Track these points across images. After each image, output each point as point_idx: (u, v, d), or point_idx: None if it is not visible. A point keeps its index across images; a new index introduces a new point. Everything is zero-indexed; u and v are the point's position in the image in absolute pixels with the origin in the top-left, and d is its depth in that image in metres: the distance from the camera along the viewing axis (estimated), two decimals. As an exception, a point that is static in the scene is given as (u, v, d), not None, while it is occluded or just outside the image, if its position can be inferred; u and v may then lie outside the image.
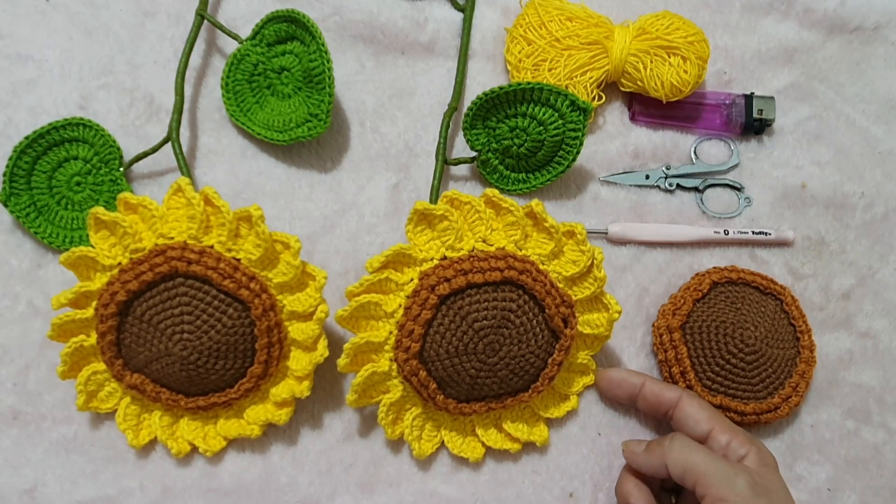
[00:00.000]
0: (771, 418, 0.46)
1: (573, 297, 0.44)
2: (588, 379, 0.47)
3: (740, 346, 0.46)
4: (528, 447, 0.47)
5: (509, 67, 0.50)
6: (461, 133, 0.49)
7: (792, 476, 0.48)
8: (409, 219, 0.42)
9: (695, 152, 0.52)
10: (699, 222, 0.51)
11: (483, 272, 0.41)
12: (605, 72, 0.49)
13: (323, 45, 0.46)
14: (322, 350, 0.42)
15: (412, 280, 0.42)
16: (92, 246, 0.42)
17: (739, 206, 0.52)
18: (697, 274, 0.49)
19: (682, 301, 0.48)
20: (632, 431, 0.48)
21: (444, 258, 0.42)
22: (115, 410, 0.45)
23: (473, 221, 0.43)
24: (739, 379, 0.46)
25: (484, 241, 0.43)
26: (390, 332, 0.42)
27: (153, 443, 0.46)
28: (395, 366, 0.43)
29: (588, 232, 0.50)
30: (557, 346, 0.43)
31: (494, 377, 0.43)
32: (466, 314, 0.41)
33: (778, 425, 0.49)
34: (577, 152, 0.47)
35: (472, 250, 0.42)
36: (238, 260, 0.41)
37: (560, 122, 0.46)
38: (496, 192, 0.42)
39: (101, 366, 0.44)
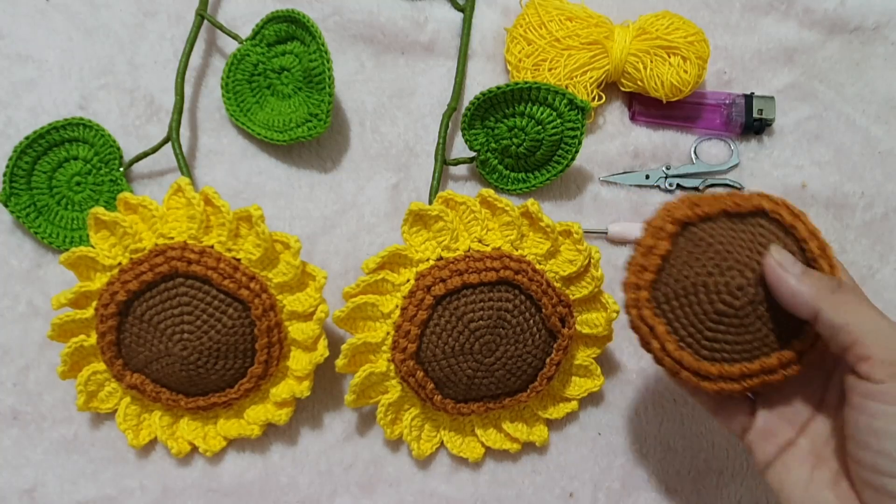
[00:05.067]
0: (793, 372, 0.36)
1: (570, 296, 0.44)
2: (591, 384, 0.46)
3: (728, 301, 0.35)
4: (528, 447, 0.47)
5: (509, 67, 0.50)
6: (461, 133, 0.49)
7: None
8: (404, 219, 0.42)
9: (695, 152, 0.52)
10: (699, 222, 0.51)
11: (479, 272, 0.41)
12: (605, 72, 0.49)
13: (323, 45, 0.46)
14: (322, 350, 0.42)
15: (408, 281, 0.42)
16: (92, 246, 0.42)
17: (739, 206, 0.52)
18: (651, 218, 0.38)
19: (646, 262, 0.37)
20: (632, 431, 0.48)
21: (440, 259, 0.42)
22: (115, 410, 0.45)
23: (469, 222, 0.43)
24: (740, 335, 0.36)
25: (480, 242, 0.43)
26: (387, 333, 0.42)
27: (153, 443, 0.46)
28: (392, 366, 0.43)
29: (588, 232, 0.50)
30: (555, 345, 0.43)
31: (492, 377, 0.43)
32: (462, 314, 0.41)
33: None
34: (576, 151, 0.47)
35: (468, 250, 0.42)
36: (238, 260, 0.41)
37: (558, 121, 0.46)
38: (492, 192, 0.42)
39: (101, 366, 0.44)
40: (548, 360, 0.43)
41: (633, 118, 0.52)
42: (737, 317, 0.35)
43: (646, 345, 0.38)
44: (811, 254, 0.36)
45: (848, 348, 0.32)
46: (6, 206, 0.47)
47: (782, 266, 0.34)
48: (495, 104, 0.47)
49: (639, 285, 0.37)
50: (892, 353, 0.30)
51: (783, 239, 0.36)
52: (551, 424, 0.48)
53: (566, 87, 0.48)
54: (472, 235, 0.43)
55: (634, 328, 0.37)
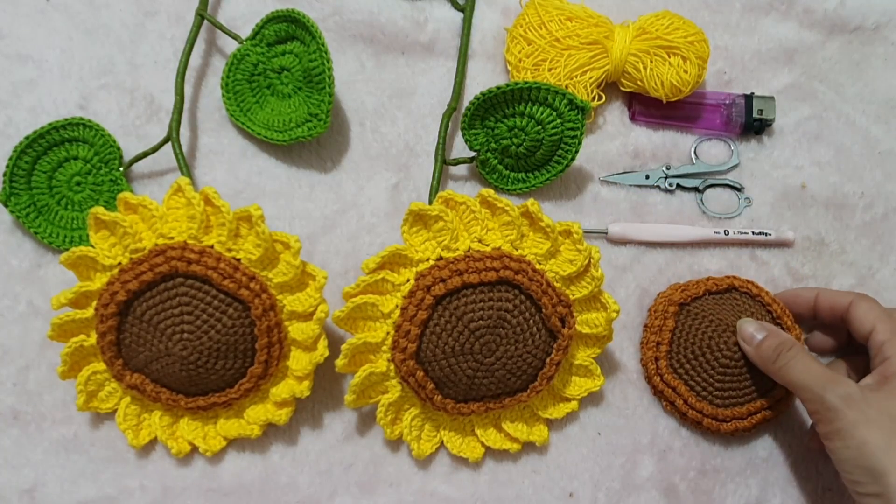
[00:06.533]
0: (786, 407, 0.47)
1: (571, 296, 0.44)
2: (591, 384, 0.46)
3: (728, 355, 0.45)
4: (528, 447, 0.47)
5: (509, 67, 0.50)
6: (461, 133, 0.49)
7: (794, 475, 0.48)
8: (404, 219, 0.42)
9: (695, 152, 0.52)
10: (699, 222, 0.51)
11: (478, 272, 0.41)
12: (605, 72, 0.49)
13: (323, 45, 0.46)
14: (322, 350, 0.42)
15: (408, 281, 0.42)
16: (92, 246, 0.42)
17: (739, 206, 0.52)
18: (662, 294, 0.49)
19: (659, 338, 0.48)
20: (632, 431, 0.48)
21: (440, 258, 0.42)
22: (115, 410, 0.45)
23: (469, 221, 0.43)
24: (741, 381, 0.46)
25: (480, 241, 0.43)
26: (387, 333, 0.42)
27: (153, 443, 0.46)
28: (392, 366, 0.43)
29: (588, 232, 0.50)
30: (555, 345, 0.43)
31: (492, 377, 0.43)
32: (462, 314, 0.41)
33: (778, 422, 0.49)
34: (576, 151, 0.47)
35: (468, 250, 0.42)
36: (238, 260, 0.41)
37: (558, 121, 0.46)
38: (492, 191, 0.42)
39: (101, 366, 0.44)
40: (548, 359, 0.43)
41: (633, 118, 0.52)
42: (737, 367, 0.45)
43: (671, 404, 0.48)
44: (776, 313, 0.47)
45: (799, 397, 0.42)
46: (6, 206, 0.47)
47: (744, 339, 0.45)
48: (495, 104, 0.47)
49: (658, 357, 0.48)
50: (821, 399, 0.40)
51: (753, 305, 0.47)
52: (551, 424, 0.48)
53: (566, 87, 0.48)
54: (472, 235, 0.43)
55: (659, 392, 0.48)
